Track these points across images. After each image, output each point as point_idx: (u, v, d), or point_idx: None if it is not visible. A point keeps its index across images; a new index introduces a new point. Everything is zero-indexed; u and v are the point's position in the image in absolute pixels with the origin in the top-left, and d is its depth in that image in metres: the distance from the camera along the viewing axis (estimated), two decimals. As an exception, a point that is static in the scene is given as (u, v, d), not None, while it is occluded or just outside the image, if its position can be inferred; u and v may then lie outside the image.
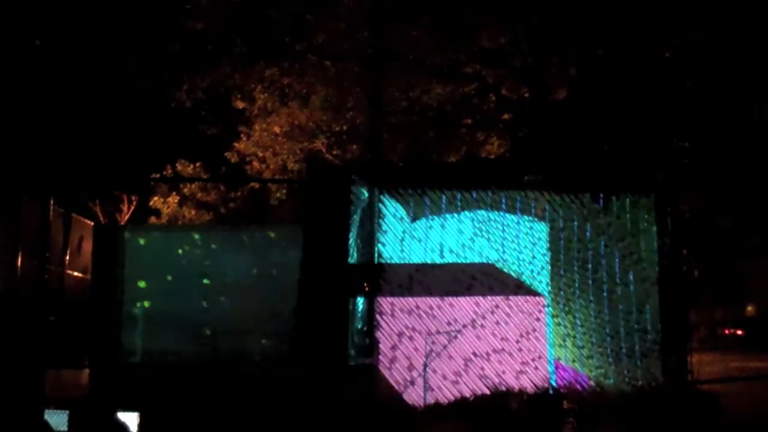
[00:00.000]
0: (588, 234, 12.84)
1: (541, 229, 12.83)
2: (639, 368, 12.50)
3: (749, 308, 39.51)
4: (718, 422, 11.11)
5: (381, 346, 11.78)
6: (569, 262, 12.81)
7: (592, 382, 12.32)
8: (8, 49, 14.18)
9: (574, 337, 12.70)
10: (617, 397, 11.83)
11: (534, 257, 12.70)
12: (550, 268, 12.77)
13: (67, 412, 8.27)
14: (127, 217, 18.88)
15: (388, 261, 12.02)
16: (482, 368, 12.08)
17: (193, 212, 21.62)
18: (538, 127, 17.79)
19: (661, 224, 12.87)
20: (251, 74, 19.11)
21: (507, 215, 12.71)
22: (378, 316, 11.81)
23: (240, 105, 20.26)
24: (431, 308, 12.08)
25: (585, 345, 12.63)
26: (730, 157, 17.53)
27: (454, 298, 12.23)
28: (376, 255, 11.91)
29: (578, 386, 12.18)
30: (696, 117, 17.44)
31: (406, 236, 12.15)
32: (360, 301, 12.09)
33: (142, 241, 13.49)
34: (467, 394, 11.79)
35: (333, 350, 11.46)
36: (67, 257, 12.86)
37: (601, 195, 12.90)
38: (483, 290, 12.38)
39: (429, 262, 12.34)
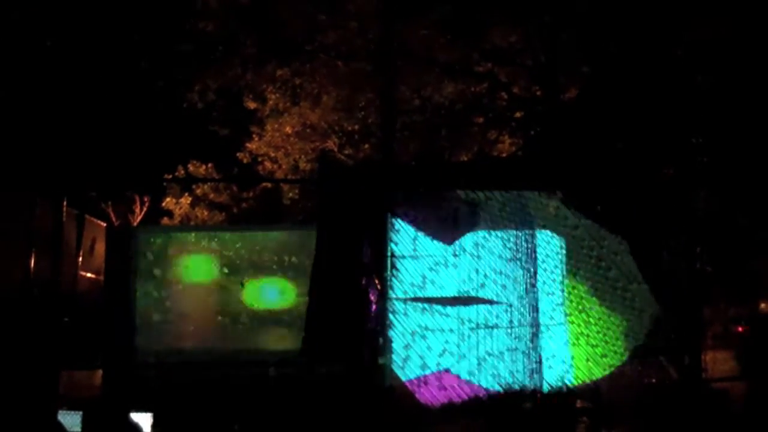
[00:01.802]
0: (601, 232, 12.78)
1: (554, 228, 12.78)
2: (653, 366, 12.45)
3: (762, 305, 39.34)
4: (733, 420, 11.06)
5: (394, 345, 11.75)
6: (582, 260, 12.76)
7: (605, 381, 12.27)
8: (20, 50, 14.20)
9: (588, 335, 12.65)
10: (631, 395, 11.79)
11: (547, 255, 12.65)
12: (563, 266, 12.72)
13: (81, 412, 8.30)
14: (139, 218, 18.88)
15: (401, 259, 11.98)
16: (495, 367, 12.04)
17: (206, 213, 21.59)
18: (550, 125, 17.70)
19: (674, 221, 12.81)
20: (262, 74, 19.09)
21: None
22: (391, 315, 11.77)
23: (251, 105, 20.24)
24: (444, 307, 12.04)
25: (599, 344, 12.58)
26: (745, 154, 17.40)
27: (468, 296, 12.19)
28: (389, 254, 11.87)
29: (592, 385, 12.13)
30: (710, 113, 17.32)
31: (418, 234, 12.11)
32: (373, 301, 12.06)
33: (155, 242, 13.50)
34: (481, 393, 11.75)
35: (346, 350, 11.44)
36: (80, 258, 12.86)
37: (614, 192, 12.85)
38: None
39: (441, 260, 12.30)
